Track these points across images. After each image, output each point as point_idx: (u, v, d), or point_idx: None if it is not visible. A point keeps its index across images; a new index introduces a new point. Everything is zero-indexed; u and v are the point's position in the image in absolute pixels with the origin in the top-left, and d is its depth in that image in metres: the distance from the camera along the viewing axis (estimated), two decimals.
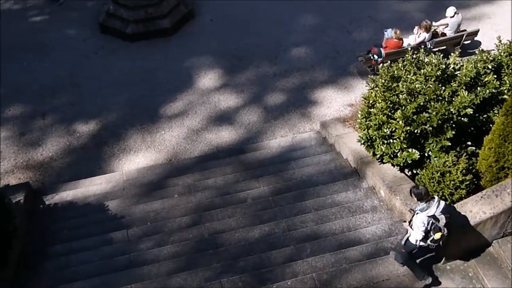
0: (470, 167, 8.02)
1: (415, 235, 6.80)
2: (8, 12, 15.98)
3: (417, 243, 6.87)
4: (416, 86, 8.52)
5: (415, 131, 8.23)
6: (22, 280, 8.24)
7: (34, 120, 12.49)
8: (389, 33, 12.71)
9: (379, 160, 9.05)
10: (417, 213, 6.70)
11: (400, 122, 8.23)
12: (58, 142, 11.95)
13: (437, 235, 6.61)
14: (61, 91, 13.19)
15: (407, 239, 7.00)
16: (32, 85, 13.34)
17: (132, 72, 13.64)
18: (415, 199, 6.77)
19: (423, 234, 6.68)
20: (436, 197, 6.70)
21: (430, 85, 8.42)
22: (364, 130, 9.19)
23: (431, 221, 6.56)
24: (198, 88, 13.16)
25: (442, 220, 6.58)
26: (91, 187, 10.46)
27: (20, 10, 16.03)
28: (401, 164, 8.60)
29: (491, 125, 8.32)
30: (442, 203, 6.65)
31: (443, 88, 8.43)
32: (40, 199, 10.20)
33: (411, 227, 6.88)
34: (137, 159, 11.48)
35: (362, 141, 9.14)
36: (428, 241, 6.75)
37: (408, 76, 8.86)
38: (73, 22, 15.36)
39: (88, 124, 12.33)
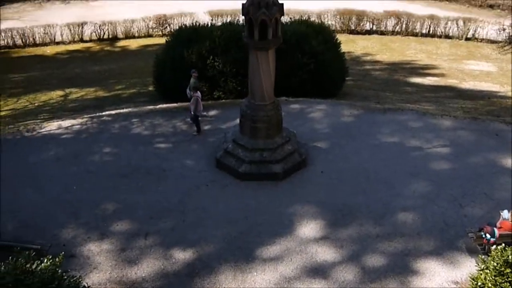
0: None
1: None
2: (138, 136, 17.51)
3: None
4: None
5: None
6: None
7: (137, 238, 12.99)
8: (506, 214, 12.16)
9: None
10: None
11: None
12: (153, 264, 12.22)
13: None
14: (167, 215, 13.76)
15: None
16: (143, 206, 14.08)
17: (237, 209, 14.00)
18: None
19: None
20: None
21: None
22: None
23: None
24: (298, 236, 13.10)
25: None
26: None
27: (148, 136, 17.51)
28: None
29: None
30: None
31: None
32: None
33: None
34: None
35: None
36: None
37: None
38: (193, 154, 16.42)
39: (185, 252, 12.56)
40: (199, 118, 17.49)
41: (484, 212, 13.71)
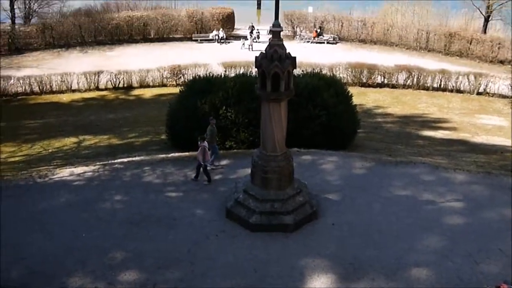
0: None
1: None
2: (149, 184, 17.53)
3: None
4: None
5: None
6: None
7: None
8: None
9: None
10: None
11: None
12: None
13: None
14: (175, 265, 13.57)
15: None
16: (152, 255, 13.90)
17: (247, 260, 13.78)
18: None
19: None
20: None
21: None
22: None
23: None
24: None
25: None
26: None
27: (159, 184, 17.52)
28: None
29: None
30: None
31: None
32: None
33: None
34: None
35: None
36: None
37: None
38: (203, 203, 16.35)
39: None
40: (208, 168, 17.51)
41: (499, 269, 13.37)
